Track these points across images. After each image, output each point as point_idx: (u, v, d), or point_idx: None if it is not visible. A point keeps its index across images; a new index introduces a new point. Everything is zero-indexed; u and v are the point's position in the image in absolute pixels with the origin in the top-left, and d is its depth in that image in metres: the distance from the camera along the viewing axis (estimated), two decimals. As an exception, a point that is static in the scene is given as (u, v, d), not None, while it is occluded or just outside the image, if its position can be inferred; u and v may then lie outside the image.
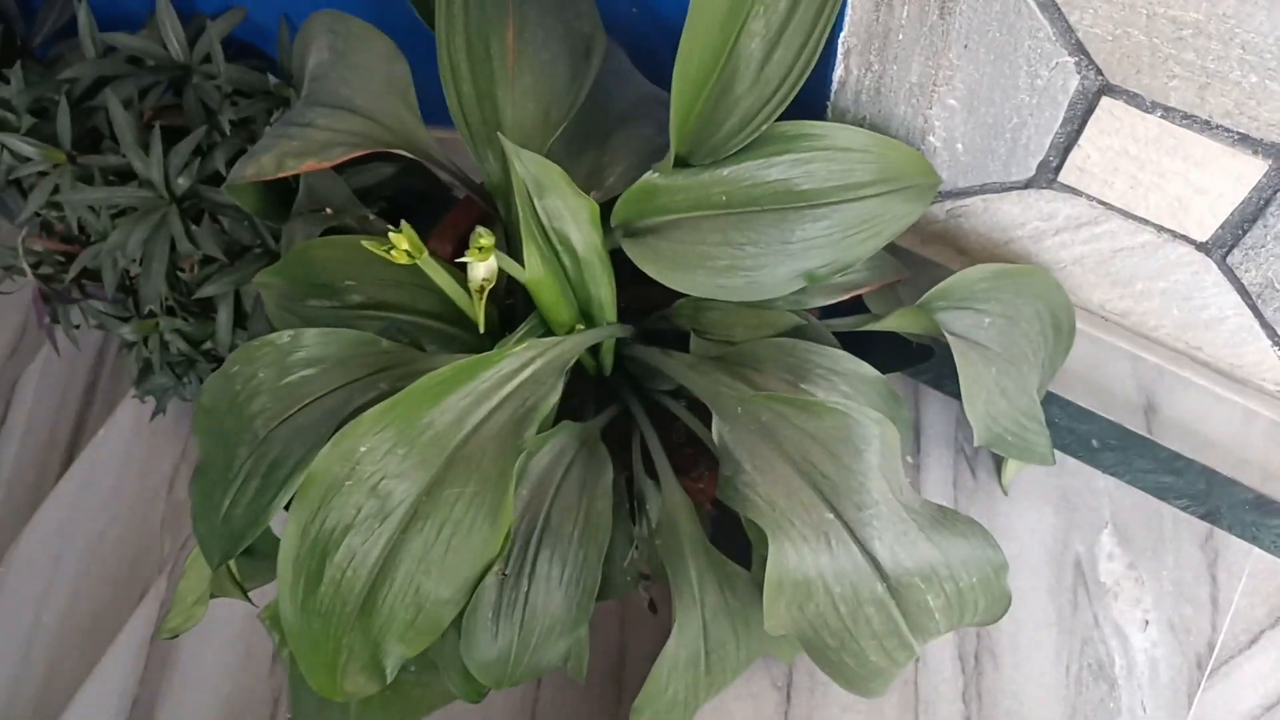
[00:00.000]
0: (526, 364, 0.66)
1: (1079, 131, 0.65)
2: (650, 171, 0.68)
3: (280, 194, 0.89)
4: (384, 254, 0.62)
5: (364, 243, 0.61)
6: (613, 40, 0.79)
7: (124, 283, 1.34)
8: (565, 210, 0.67)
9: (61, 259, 1.34)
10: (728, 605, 0.69)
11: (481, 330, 0.66)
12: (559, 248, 0.69)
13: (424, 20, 0.75)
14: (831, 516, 0.62)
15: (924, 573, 0.64)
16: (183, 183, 1.17)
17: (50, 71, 1.26)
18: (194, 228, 1.19)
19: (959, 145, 0.71)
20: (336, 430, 0.64)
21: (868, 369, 0.70)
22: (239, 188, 0.82)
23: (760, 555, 0.71)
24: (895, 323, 0.72)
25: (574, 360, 0.69)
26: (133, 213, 1.22)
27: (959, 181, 0.74)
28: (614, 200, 0.72)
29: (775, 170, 0.69)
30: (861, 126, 0.73)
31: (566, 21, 0.76)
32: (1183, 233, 0.67)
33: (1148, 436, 0.82)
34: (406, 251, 0.61)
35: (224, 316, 1.23)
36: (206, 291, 1.19)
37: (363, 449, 0.63)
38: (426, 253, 0.63)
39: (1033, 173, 0.70)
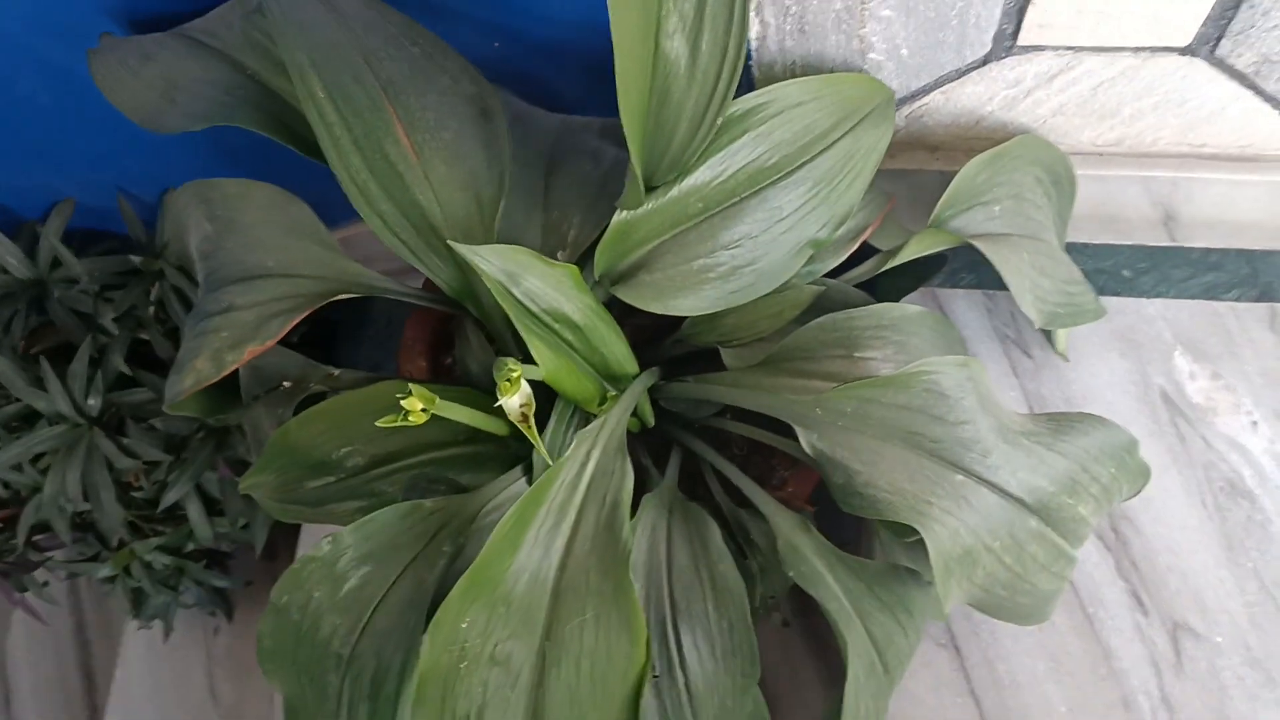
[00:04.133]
0: (584, 462, 0.61)
1: (1031, -13, 0.60)
2: (620, 211, 0.62)
3: (222, 386, 0.81)
4: (397, 422, 0.55)
5: (379, 423, 0.54)
6: (496, 86, 0.72)
7: (75, 522, 1.23)
8: (547, 287, 0.61)
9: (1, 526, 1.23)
10: (882, 602, 0.64)
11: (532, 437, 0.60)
12: (555, 327, 0.63)
13: (310, 156, 0.67)
14: (961, 477, 0.58)
15: (1067, 487, 0.61)
16: (94, 403, 1.07)
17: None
18: (124, 440, 1.10)
19: (903, 51, 0.66)
20: (427, 618, 0.58)
21: (910, 308, 0.66)
22: (181, 402, 0.74)
23: (885, 534, 0.67)
24: (914, 249, 0.67)
25: (624, 431, 0.63)
26: (54, 453, 1.12)
27: (911, 84, 0.70)
28: (585, 254, 0.66)
29: (740, 156, 0.64)
30: (793, 74, 0.68)
31: (446, 89, 0.69)
32: (1164, 45, 0.63)
33: (1175, 244, 0.79)
34: (423, 409, 0.55)
35: (195, 513, 1.15)
36: (170, 500, 1.10)
37: (464, 625, 0.57)
38: (438, 399, 0.57)
39: (989, 48, 0.66)
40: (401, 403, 0.54)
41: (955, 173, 0.69)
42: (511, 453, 0.73)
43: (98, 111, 0.95)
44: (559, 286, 0.62)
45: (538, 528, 0.59)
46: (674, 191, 0.63)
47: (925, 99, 0.71)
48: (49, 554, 1.21)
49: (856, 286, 0.70)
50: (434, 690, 0.57)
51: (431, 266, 0.67)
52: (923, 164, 0.77)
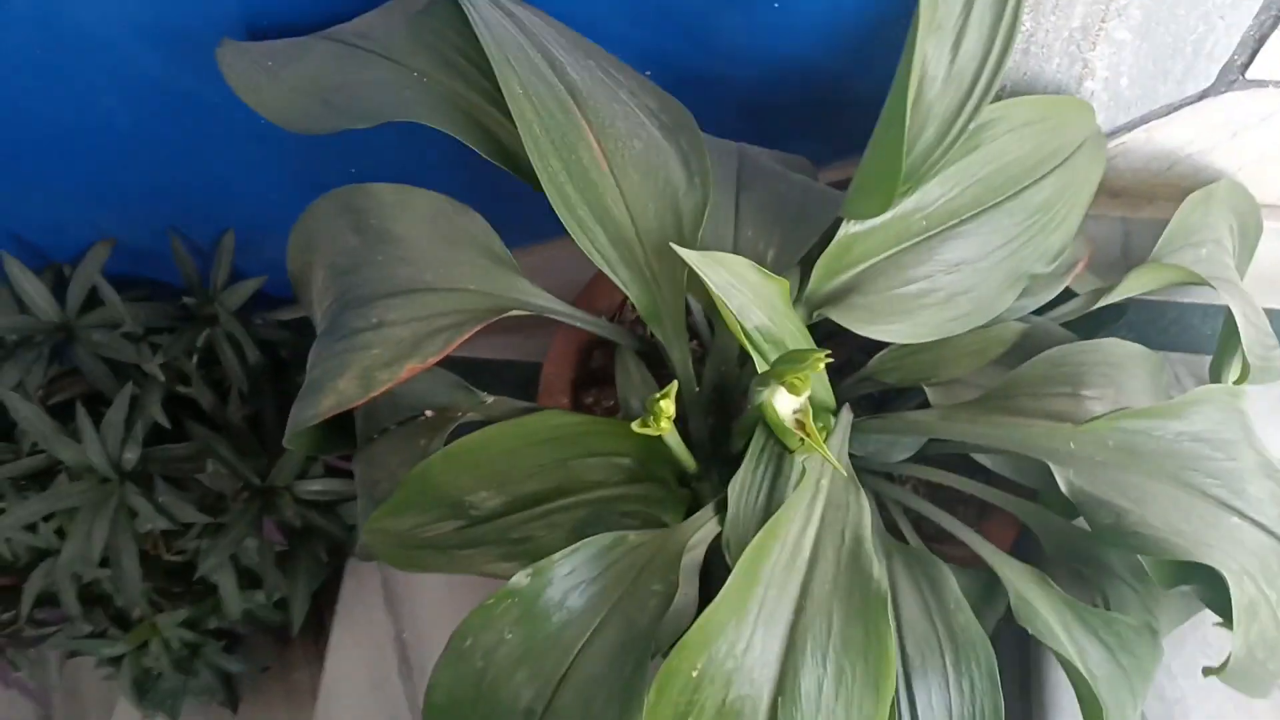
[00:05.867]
0: (814, 494, 0.55)
1: None
2: (847, 223, 0.58)
3: (333, 423, 0.74)
4: (642, 429, 0.49)
5: (635, 426, 0.48)
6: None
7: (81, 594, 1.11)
8: (757, 303, 0.56)
9: (-7, 598, 1.10)
10: (1121, 667, 0.58)
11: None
12: (764, 348, 0.57)
13: (496, 160, 0.62)
14: (1236, 519, 0.53)
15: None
16: (131, 456, 0.98)
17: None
18: (159, 499, 1.00)
19: (1123, 80, 0.64)
20: (633, 662, 0.51)
21: (1135, 347, 0.62)
22: (294, 436, 0.66)
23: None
24: (1133, 286, 0.64)
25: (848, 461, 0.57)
26: (74, 512, 1.01)
27: (1118, 119, 0.68)
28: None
29: (970, 172, 0.61)
30: (999, 96, 0.65)
31: (628, 101, 0.65)
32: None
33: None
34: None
35: (229, 585, 1.04)
36: (207, 567, 1.00)
37: (694, 674, 0.50)
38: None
39: (1212, 80, 0.64)
40: (658, 404, 0.48)
41: (1134, 219, 0.66)
42: (673, 495, 0.66)
43: (176, 135, 0.89)
44: (770, 304, 0.57)
45: (771, 566, 0.52)
46: (905, 205, 0.58)
47: (1125, 137, 0.69)
48: (49, 629, 1.08)
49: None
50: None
51: (624, 279, 0.61)
52: (1104, 209, 0.74)
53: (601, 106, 0.63)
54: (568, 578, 0.54)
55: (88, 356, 1.01)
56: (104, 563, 1.00)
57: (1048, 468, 0.60)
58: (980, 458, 0.65)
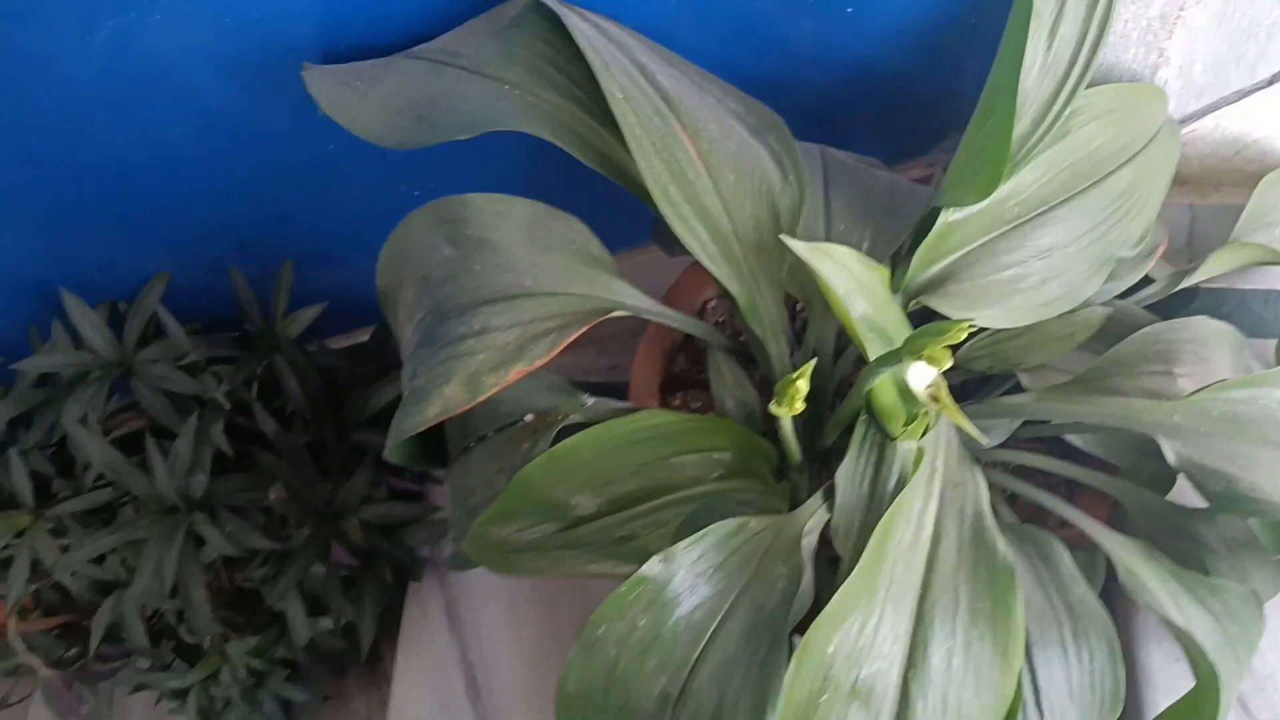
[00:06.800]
0: (931, 473, 0.56)
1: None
2: (946, 211, 0.59)
3: (424, 436, 0.75)
4: (776, 410, 0.50)
5: (771, 408, 0.49)
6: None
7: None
8: (861, 292, 0.57)
9: (55, 633, 1.10)
10: (1228, 636, 0.59)
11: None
12: (870, 336, 0.58)
13: (598, 167, 0.64)
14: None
15: None
16: (201, 479, 0.98)
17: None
18: (227, 528, 1.00)
19: (1197, 68, 0.66)
20: (767, 643, 0.52)
21: (1222, 325, 0.64)
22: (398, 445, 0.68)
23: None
24: (1216, 266, 0.65)
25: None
26: (137, 545, 1.02)
27: (1189, 107, 0.70)
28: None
29: (1061, 158, 0.62)
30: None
31: (716, 106, 0.67)
32: None
33: None
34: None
35: (297, 611, 1.04)
36: (276, 595, 1.00)
37: (830, 650, 0.51)
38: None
39: (1284, 63, 0.66)
40: (794, 384, 0.49)
41: (1201, 206, 0.68)
42: (772, 489, 0.67)
43: (241, 167, 0.90)
44: (873, 293, 0.58)
45: (896, 544, 0.53)
46: (1000, 191, 0.60)
47: (1195, 124, 0.71)
48: (115, 664, 1.08)
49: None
50: (794, 729, 0.50)
51: (725, 276, 0.63)
52: (1170, 197, 0.75)
53: (692, 111, 0.65)
54: (695, 564, 0.55)
55: (147, 390, 1.02)
56: (169, 594, 1.01)
57: (1140, 445, 0.61)
58: (1072, 438, 0.66)
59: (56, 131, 0.81)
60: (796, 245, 0.55)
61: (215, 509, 1.01)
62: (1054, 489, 0.68)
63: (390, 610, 1.10)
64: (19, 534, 1.02)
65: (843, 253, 0.57)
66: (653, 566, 0.54)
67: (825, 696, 0.51)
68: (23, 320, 1.05)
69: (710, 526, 0.55)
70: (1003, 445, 0.69)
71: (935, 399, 0.50)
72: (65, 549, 1.03)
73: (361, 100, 0.70)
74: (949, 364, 0.48)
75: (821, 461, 0.70)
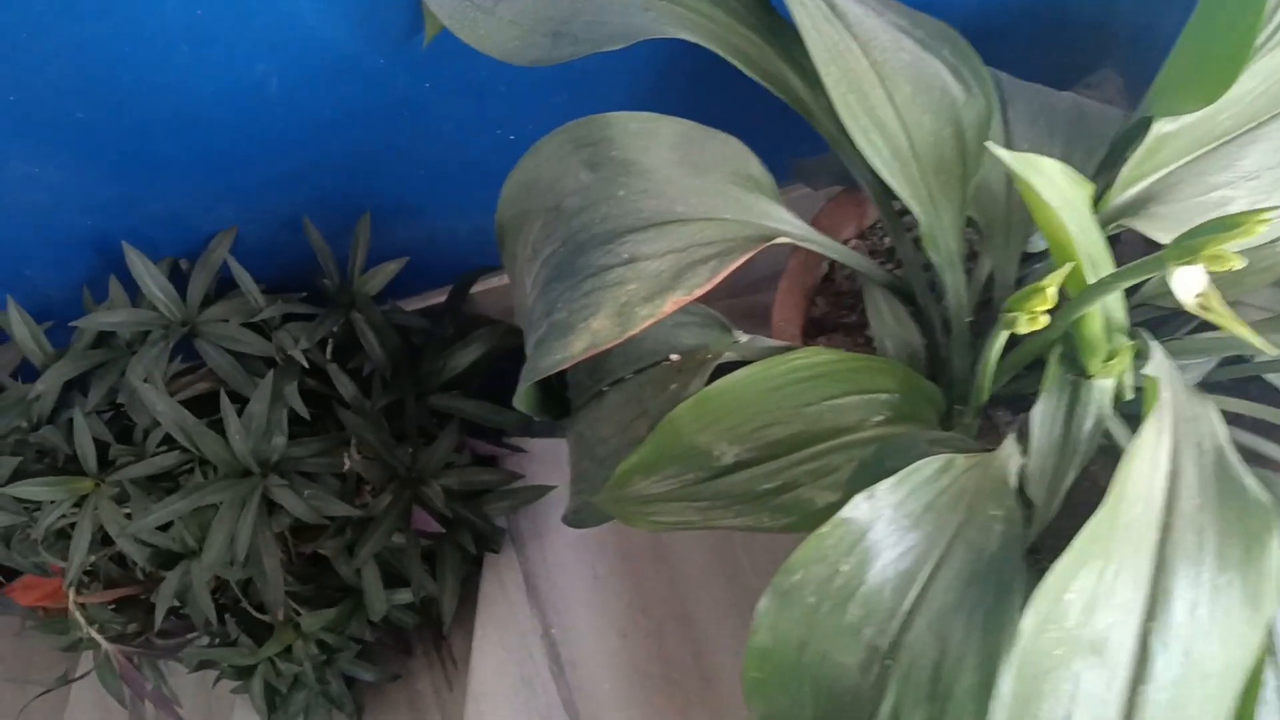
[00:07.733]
0: (1159, 410, 0.50)
1: None
2: (1159, 121, 0.54)
3: (544, 385, 0.69)
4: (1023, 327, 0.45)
5: (1004, 323, 0.43)
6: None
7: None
8: (1065, 211, 0.52)
9: (112, 608, 1.05)
10: None
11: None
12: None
13: (756, 76, 0.58)
14: None
15: None
16: (280, 441, 0.93)
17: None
18: (304, 493, 0.95)
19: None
20: (993, 591, 0.47)
21: None
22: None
23: None
24: None
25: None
26: (204, 511, 0.96)
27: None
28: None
29: (1271, 70, 0.56)
30: None
31: (879, 16, 0.61)
32: None
33: None
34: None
35: (374, 582, 0.99)
36: (357, 563, 0.95)
37: (1069, 596, 0.45)
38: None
39: None
40: (1043, 291, 0.44)
41: None
42: (940, 436, 0.62)
43: (327, 106, 0.84)
44: (1078, 213, 0.53)
45: (1135, 483, 0.48)
46: (1218, 100, 0.55)
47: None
48: (178, 639, 1.03)
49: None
50: (1025, 687, 0.45)
51: (905, 196, 0.57)
52: None
53: (860, 20, 0.59)
54: (901, 505, 0.49)
55: (214, 350, 0.97)
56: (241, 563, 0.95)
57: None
58: (1272, 377, 0.61)
59: (139, 66, 0.76)
60: (1004, 154, 0.50)
61: (288, 475, 0.95)
62: (1257, 432, 0.63)
63: (464, 585, 1.04)
64: (79, 501, 0.97)
65: (1050, 165, 0.51)
66: (857, 507, 0.48)
67: (1060, 651, 0.46)
68: (75, 279, 1.00)
69: (913, 465, 0.50)
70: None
71: (1205, 308, 0.45)
72: (127, 517, 0.98)
73: (489, 17, 0.65)
74: (1237, 264, 0.43)
75: (993, 404, 0.65)
